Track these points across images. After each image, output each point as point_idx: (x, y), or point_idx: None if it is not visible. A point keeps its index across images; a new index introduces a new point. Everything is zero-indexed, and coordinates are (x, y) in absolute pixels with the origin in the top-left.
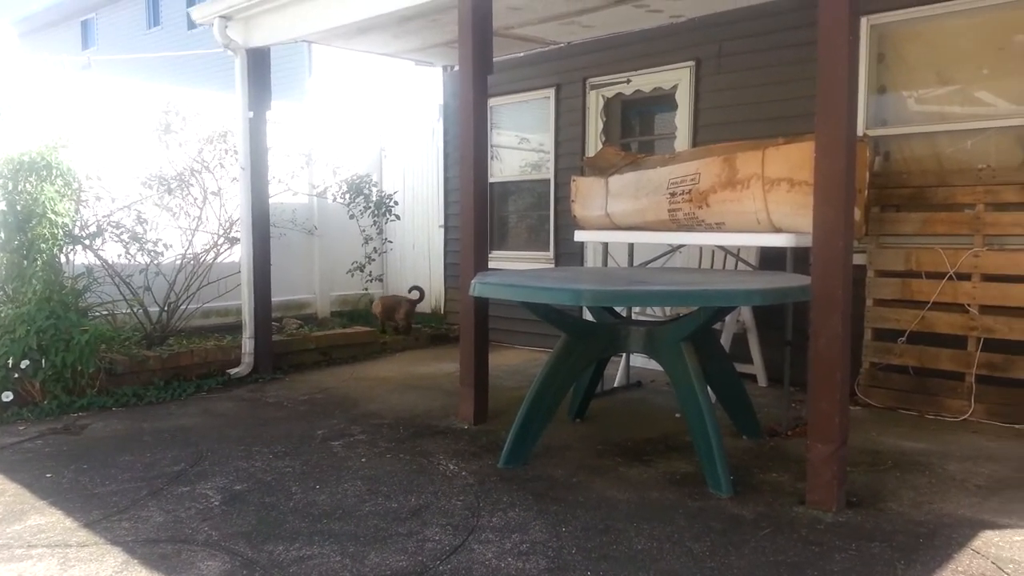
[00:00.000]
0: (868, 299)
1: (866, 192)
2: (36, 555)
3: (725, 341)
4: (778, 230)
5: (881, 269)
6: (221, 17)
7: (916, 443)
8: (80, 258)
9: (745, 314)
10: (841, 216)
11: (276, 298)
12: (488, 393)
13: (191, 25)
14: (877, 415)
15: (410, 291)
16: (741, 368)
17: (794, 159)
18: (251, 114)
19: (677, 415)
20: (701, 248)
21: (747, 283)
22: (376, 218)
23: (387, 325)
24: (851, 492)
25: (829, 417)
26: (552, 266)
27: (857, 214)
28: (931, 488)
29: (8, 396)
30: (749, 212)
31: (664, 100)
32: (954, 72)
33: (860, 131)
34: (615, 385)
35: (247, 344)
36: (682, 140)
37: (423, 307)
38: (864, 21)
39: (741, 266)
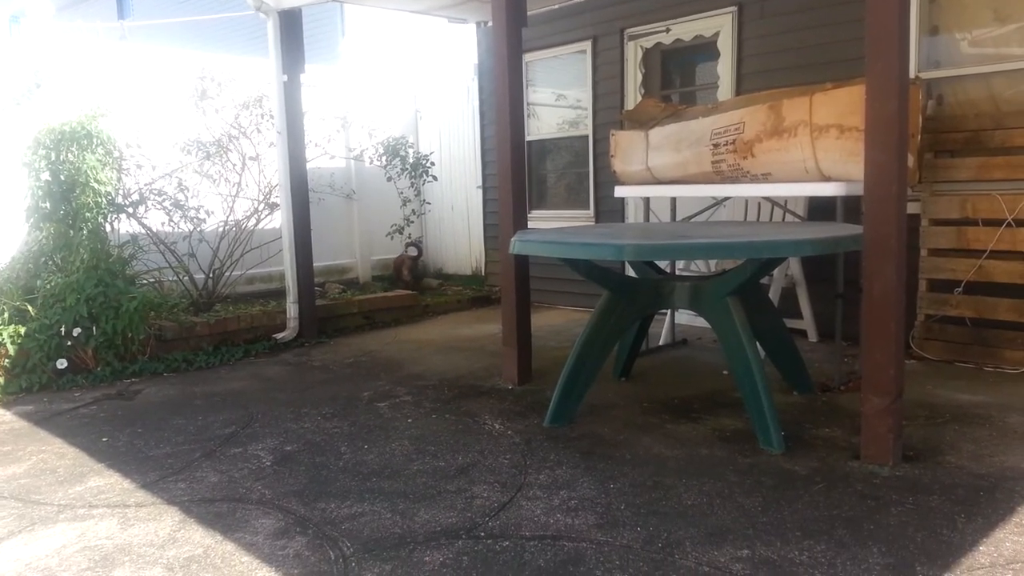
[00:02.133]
0: (922, 249)
1: (919, 137)
2: (97, 515)
3: (773, 295)
4: (827, 179)
5: (936, 217)
6: None
7: (974, 396)
8: (124, 226)
9: (794, 267)
10: (894, 162)
11: (317, 263)
12: (531, 353)
13: None
14: (933, 368)
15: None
16: (791, 323)
17: (843, 104)
18: (285, 78)
19: (725, 372)
20: (747, 200)
21: (795, 233)
22: (413, 180)
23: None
24: (907, 446)
25: (884, 369)
26: (593, 223)
27: (910, 160)
28: (991, 441)
29: (63, 363)
30: (797, 161)
31: (705, 49)
32: (1010, 10)
33: (912, 74)
34: (660, 343)
35: (291, 309)
36: (725, 90)
37: (463, 269)
38: None
39: (789, 218)
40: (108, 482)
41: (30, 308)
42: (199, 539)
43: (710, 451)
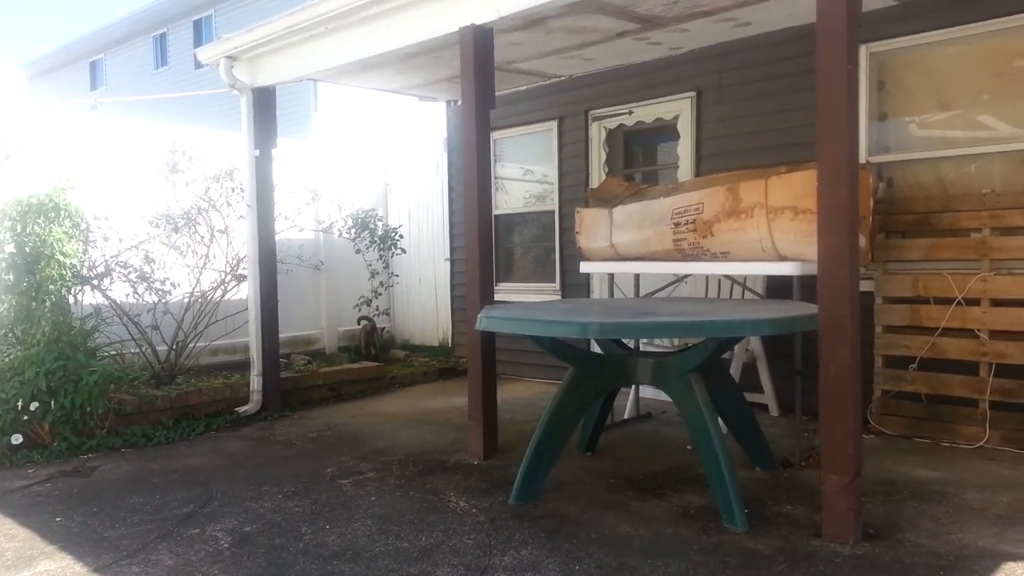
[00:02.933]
0: (877, 326)
1: (870, 219)
2: None
3: (735, 371)
4: (784, 258)
5: (889, 295)
6: (227, 57)
7: (932, 471)
8: (88, 298)
9: (754, 343)
10: (845, 244)
11: (284, 334)
12: (497, 427)
13: (198, 65)
14: (891, 443)
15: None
16: (752, 397)
17: (797, 187)
18: (257, 152)
19: (688, 447)
20: (707, 277)
21: (754, 313)
22: (382, 252)
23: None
24: (868, 523)
25: (842, 447)
26: (558, 297)
27: (862, 241)
28: (949, 518)
29: (18, 439)
30: (754, 241)
31: (666, 130)
32: (955, 97)
33: (862, 158)
34: (625, 417)
35: (255, 381)
36: (685, 170)
37: (431, 340)
38: (863, 49)
39: (748, 295)
40: (59, 566)
41: None
42: None
43: (675, 530)
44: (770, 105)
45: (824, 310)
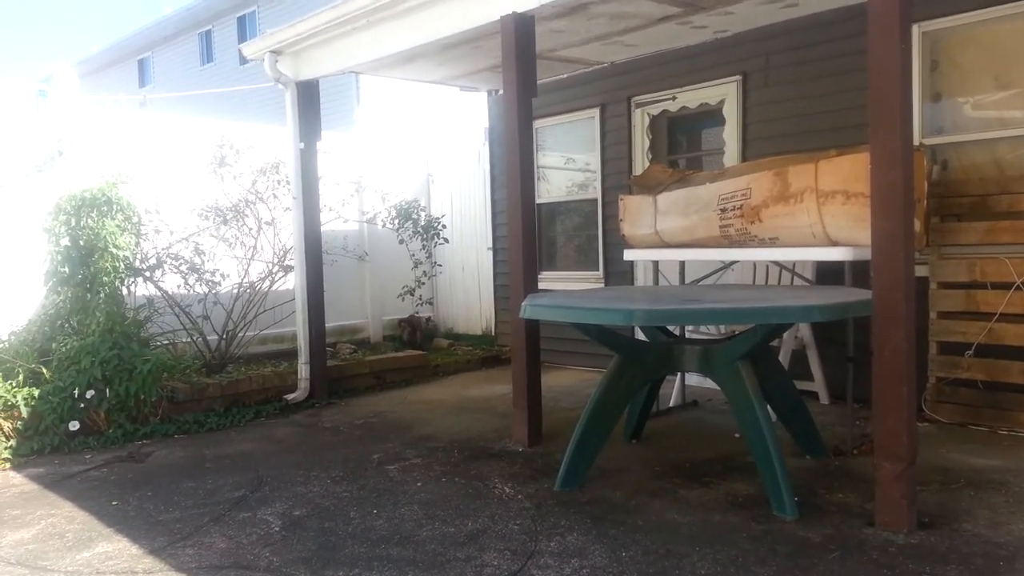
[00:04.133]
0: (932, 312)
1: (925, 202)
2: None
3: (784, 358)
4: (835, 243)
5: (944, 281)
6: (271, 52)
7: (989, 460)
8: (141, 289)
9: (804, 330)
10: (900, 228)
11: (330, 323)
12: (542, 414)
13: (243, 60)
14: (946, 431)
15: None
16: (801, 385)
17: (848, 171)
18: (302, 145)
19: (736, 435)
20: (755, 264)
21: (805, 299)
22: (425, 242)
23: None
24: (923, 512)
25: (896, 435)
26: (602, 285)
27: (917, 225)
28: (1008, 507)
29: (75, 425)
30: (803, 226)
31: (711, 116)
32: (1012, 76)
33: (916, 140)
34: (671, 405)
35: (303, 370)
36: (731, 155)
37: (474, 329)
38: (916, 28)
39: (798, 281)
40: (116, 547)
41: (44, 371)
42: None
43: (723, 517)
44: (819, 88)
45: (878, 295)
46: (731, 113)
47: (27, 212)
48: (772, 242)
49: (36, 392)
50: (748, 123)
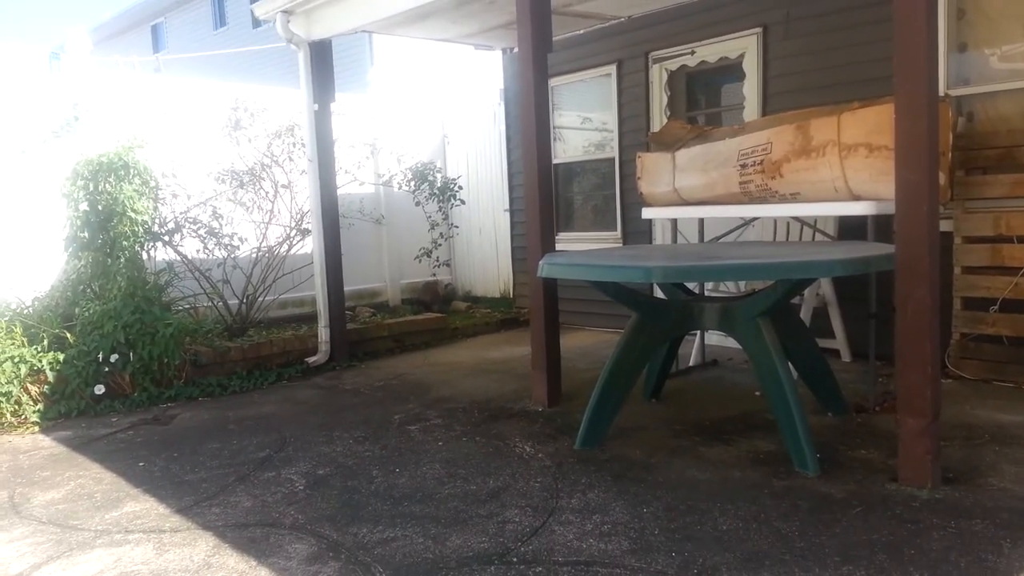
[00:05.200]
0: (956, 267)
1: (949, 155)
2: (133, 540)
3: (805, 315)
4: (857, 198)
5: (969, 235)
6: (283, 12)
7: (1015, 416)
8: (160, 254)
9: (825, 287)
10: (924, 180)
11: (348, 287)
12: (561, 375)
13: (256, 23)
14: (971, 387)
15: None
16: (823, 343)
17: (871, 123)
18: (316, 107)
19: (757, 393)
20: (776, 220)
21: (826, 253)
22: (441, 204)
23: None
24: (947, 468)
25: (920, 390)
26: (620, 245)
27: (941, 178)
28: None
29: (100, 389)
30: (826, 180)
31: (731, 70)
32: None
33: (941, 91)
34: (690, 364)
35: (323, 333)
36: (751, 110)
37: (492, 291)
38: None
39: (819, 237)
40: (144, 507)
41: (68, 335)
42: (233, 564)
43: (744, 474)
44: (841, 39)
45: (901, 249)
46: (751, 67)
47: (45, 177)
48: (793, 197)
49: (61, 356)
50: (769, 77)
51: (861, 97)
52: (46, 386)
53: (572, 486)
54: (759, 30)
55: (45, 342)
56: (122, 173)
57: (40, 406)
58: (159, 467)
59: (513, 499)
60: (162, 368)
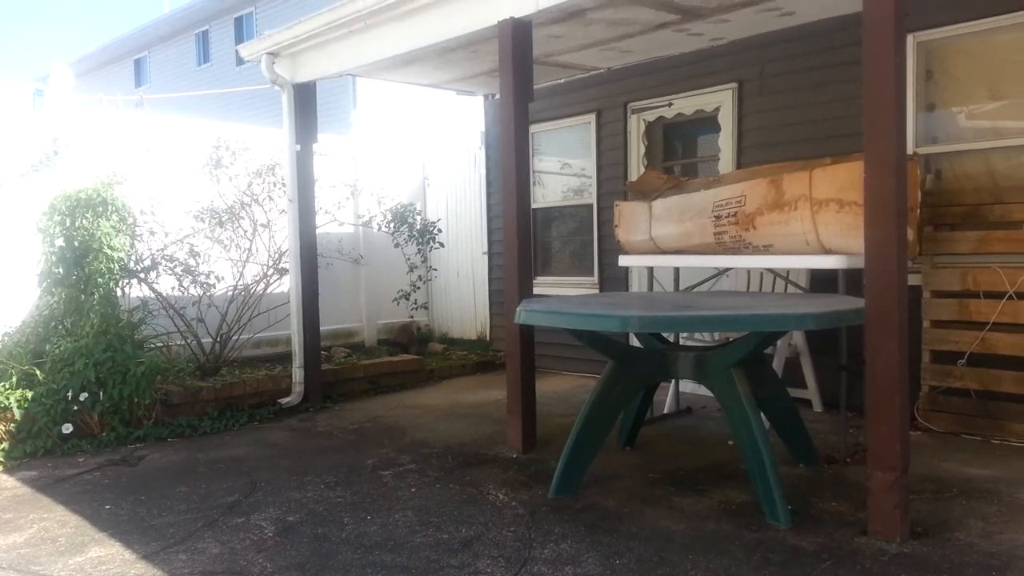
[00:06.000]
0: (925, 320)
1: (918, 211)
2: None
3: (777, 366)
4: (828, 251)
5: (937, 289)
6: (268, 54)
7: (982, 469)
8: (135, 291)
9: (797, 338)
10: (893, 236)
11: (324, 327)
12: (536, 421)
13: (239, 61)
14: (939, 440)
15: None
16: (795, 393)
17: (842, 179)
18: (298, 147)
19: (730, 442)
20: (749, 271)
21: (798, 307)
22: (420, 246)
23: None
24: (915, 521)
25: (889, 443)
26: (597, 291)
27: (910, 234)
28: (1001, 517)
29: (68, 428)
30: (797, 234)
31: (707, 123)
32: (1006, 87)
33: (910, 149)
34: (664, 411)
35: (297, 374)
36: (726, 162)
37: (469, 333)
38: (910, 38)
39: (791, 289)
40: (109, 552)
41: (38, 372)
42: None
43: (716, 525)
44: (814, 96)
45: (871, 303)
46: (727, 120)
47: (22, 212)
48: (766, 249)
49: (29, 394)
50: (743, 130)
51: (833, 152)
52: (12, 424)
53: (545, 536)
54: (735, 85)
55: (14, 379)
56: (100, 209)
57: (5, 444)
58: (126, 510)
59: (486, 549)
60: (132, 408)
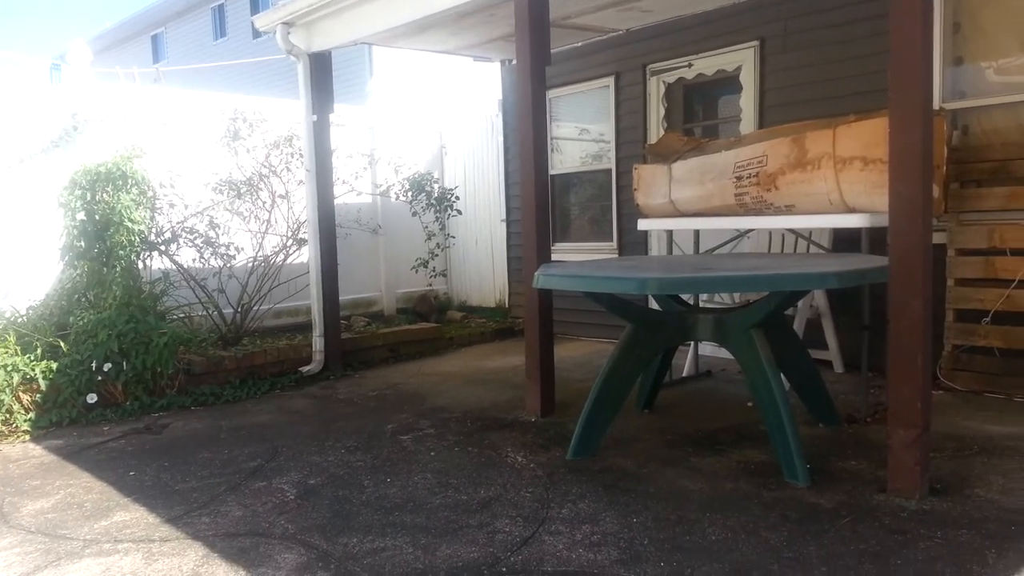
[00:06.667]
0: (949, 279)
1: (944, 168)
2: (122, 550)
3: (798, 326)
4: (852, 210)
5: (962, 247)
6: (283, 24)
7: (1004, 427)
8: (156, 263)
9: (819, 298)
10: (919, 193)
11: (343, 296)
12: (555, 385)
13: (256, 34)
14: (961, 399)
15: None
16: (816, 354)
17: (867, 136)
18: (315, 118)
19: (749, 404)
20: (771, 232)
21: (820, 266)
22: (438, 214)
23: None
24: (935, 479)
25: (911, 402)
26: (616, 256)
27: (935, 191)
28: (1022, 473)
29: (93, 398)
30: (821, 193)
31: (728, 83)
32: None
33: (936, 105)
34: (684, 375)
35: (317, 342)
36: (748, 123)
37: (487, 301)
38: None
39: (813, 249)
40: (134, 516)
41: (62, 344)
42: (222, 574)
43: (735, 485)
44: (837, 53)
45: (895, 262)
46: (748, 80)
47: (44, 187)
48: (788, 210)
49: (54, 365)
50: (766, 90)
51: (857, 110)
52: (38, 395)
53: (563, 496)
54: (756, 43)
55: (39, 351)
56: (120, 183)
57: (32, 415)
58: (150, 476)
59: (504, 509)
60: (155, 377)
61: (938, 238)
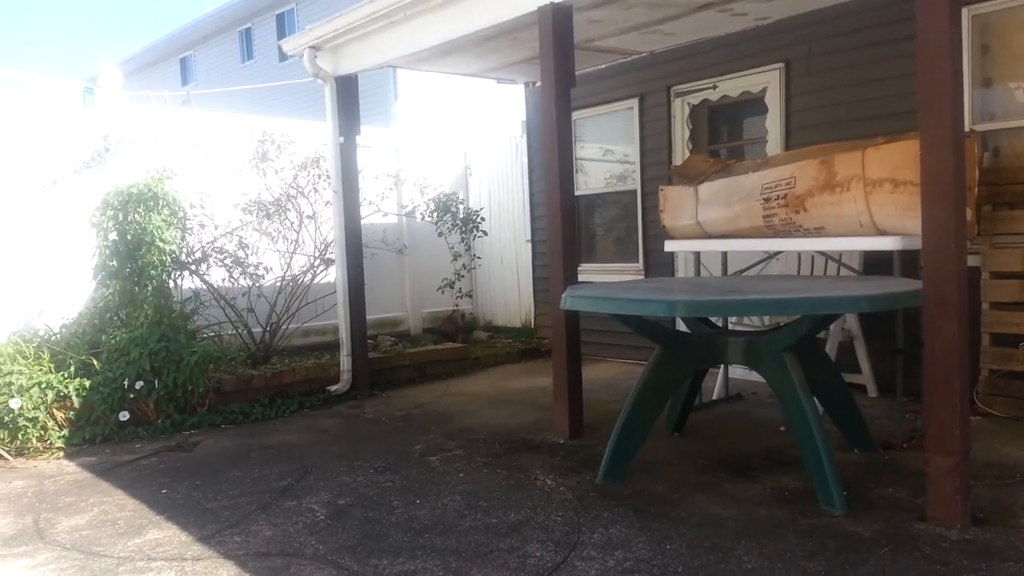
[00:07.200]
0: (984, 302)
1: (976, 190)
2: (156, 568)
3: (830, 350)
4: (883, 232)
5: (996, 270)
6: (310, 48)
7: None
8: (187, 283)
9: (851, 322)
10: (952, 216)
11: (370, 316)
12: (583, 407)
13: (282, 57)
14: (999, 425)
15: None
16: (849, 378)
17: (896, 158)
18: (342, 139)
19: (782, 428)
20: (800, 254)
21: (852, 289)
22: (464, 235)
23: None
24: (976, 508)
25: (949, 428)
26: (642, 277)
27: (968, 213)
28: None
29: (125, 415)
30: (850, 215)
31: (753, 104)
32: None
33: (966, 127)
34: (714, 397)
35: (345, 362)
36: (774, 144)
37: (513, 321)
38: (965, 11)
39: (844, 271)
40: (167, 535)
41: (95, 362)
42: None
43: (769, 511)
44: (864, 74)
45: (929, 285)
46: (774, 101)
47: (76, 208)
48: (818, 232)
49: (87, 383)
50: (791, 111)
51: (884, 132)
52: (71, 412)
53: (594, 521)
54: (781, 65)
55: (72, 368)
56: (151, 204)
57: (65, 431)
58: (182, 494)
59: (534, 533)
60: (186, 395)
61: (972, 261)
